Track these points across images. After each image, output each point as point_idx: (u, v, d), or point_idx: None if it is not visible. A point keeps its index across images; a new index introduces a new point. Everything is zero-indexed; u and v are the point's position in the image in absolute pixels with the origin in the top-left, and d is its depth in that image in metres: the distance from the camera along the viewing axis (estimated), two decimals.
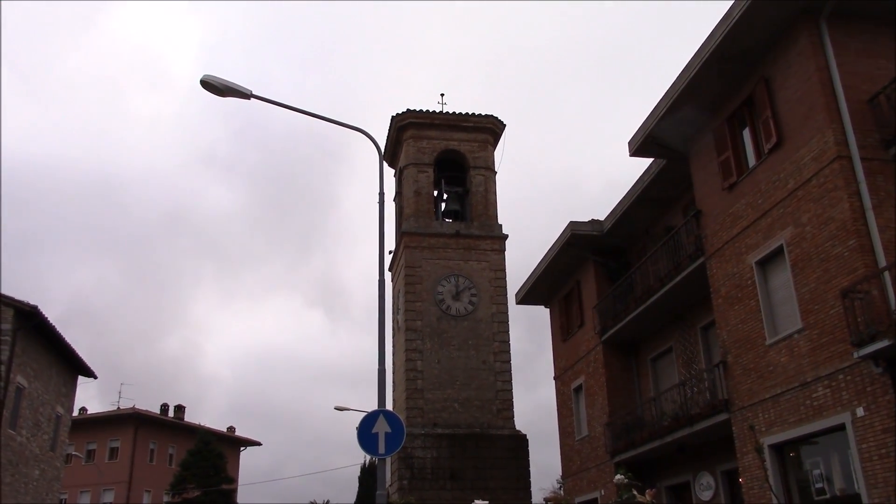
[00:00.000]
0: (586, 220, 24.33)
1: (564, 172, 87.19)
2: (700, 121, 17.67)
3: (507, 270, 31.89)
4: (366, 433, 9.60)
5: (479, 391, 29.69)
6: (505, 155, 47.71)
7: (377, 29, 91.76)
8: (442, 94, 35.10)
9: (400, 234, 32.58)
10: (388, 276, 34.46)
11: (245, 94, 11.90)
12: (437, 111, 33.62)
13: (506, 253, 32.20)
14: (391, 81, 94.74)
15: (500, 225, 32.66)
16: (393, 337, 33.27)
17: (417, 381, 29.43)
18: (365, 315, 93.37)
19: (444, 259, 31.43)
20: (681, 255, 18.76)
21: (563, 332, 27.53)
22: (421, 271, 31.09)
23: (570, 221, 24.23)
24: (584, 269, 25.71)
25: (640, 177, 21.30)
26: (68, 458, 38.86)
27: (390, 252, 34.13)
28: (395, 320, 33.17)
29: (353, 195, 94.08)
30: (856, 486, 12.60)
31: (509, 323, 31.05)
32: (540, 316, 45.12)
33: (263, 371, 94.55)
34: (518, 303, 30.05)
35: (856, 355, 12.34)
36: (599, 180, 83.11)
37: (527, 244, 65.50)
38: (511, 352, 30.53)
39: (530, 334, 71.05)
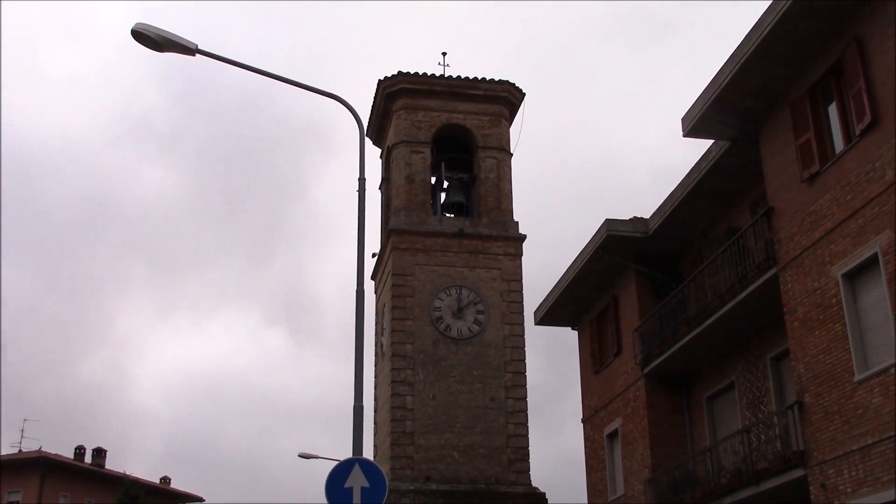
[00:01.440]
0: (626, 217, 24.67)
1: (599, 157, 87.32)
2: (774, 92, 17.85)
3: (524, 281, 32.06)
4: (337, 488, 9.68)
5: (485, 436, 29.82)
6: (523, 133, 48.56)
7: None
8: (444, 54, 34.05)
9: (386, 232, 32.63)
10: (369, 286, 34.73)
11: (189, 49, 12.02)
12: (438, 75, 33.77)
13: (523, 258, 32.42)
14: (379, 37, 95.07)
15: (517, 223, 32.81)
16: (375, 365, 33.31)
17: (406, 423, 29.67)
18: (340, 336, 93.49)
19: (443, 265, 31.70)
20: (747, 264, 19.01)
21: (594, 361, 27.86)
22: (413, 281, 31.32)
23: (606, 219, 24.53)
24: (622, 281, 25.95)
25: (697, 163, 21.58)
26: None
27: (374, 255, 34.38)
28: (378, 344, 33.33)
29: (326, 182, 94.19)
30: None
31: (526, 349, 31.16)
32: (565, 341, 45.06)
33: (209, 406, 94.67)
34: (537, 323, 30.61)
35: None
36: (644, 167, 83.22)
37: (550, 248, 65.63)
38: (528, 386, 30.63)
39: (552, 364, 71.09)
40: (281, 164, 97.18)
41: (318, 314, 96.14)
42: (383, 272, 33.26)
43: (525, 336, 31.38)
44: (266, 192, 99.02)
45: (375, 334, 33.80)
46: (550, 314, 29.65)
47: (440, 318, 31.18)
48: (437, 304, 31.32)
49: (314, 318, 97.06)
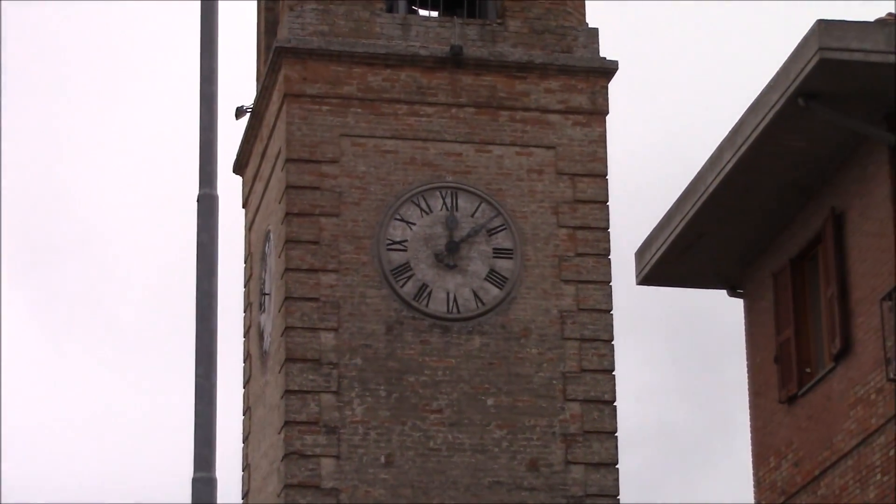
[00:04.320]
0: (865, 19, 15.61)
1: None
2: None
3: (612, 179, 24.51)
4: None
5: None
6: None
7: None
8: None
9: (272, 54, 24.02)
10: (229, 188, 27.29)
11: None
12: None
13: (610, 125, 24.48)
14: None
15: (595, 31, 23.45)
16: (245, 383, 25.27)
17: None
18: (152, 315, 62.79)
19: (411, 137, 22.59)
20: None
21: (784, 372, 18.41)
22: (338, 174, 22.15)
23: (818, 21, 14.15)
24: (857, 175, 16.68)
25: None
26: None
27: (239, 114, 25.19)
28: (252, 330, 25.54)
29: None
30: None
31: (615, 344, 23.13)
32: (712, 321, 32.72)
33: None
34: (642, 281, 20.02)
35: None
36: None
37: (676, 103, 47.02)
38: (620, 434, 23.61)
39: (680, 378, 50.04)
40: None
41: (96, 261, 58.50)
42: (265, 155, 24.84)
43: (613, 310, 23.17)
44: None
45: (245, 310, 25.83)
46: (675, 260, 18.46)
47: (405, 268, 22.14)
48: (398, 230, 22.38)
49: (86, 272, 60.72)
